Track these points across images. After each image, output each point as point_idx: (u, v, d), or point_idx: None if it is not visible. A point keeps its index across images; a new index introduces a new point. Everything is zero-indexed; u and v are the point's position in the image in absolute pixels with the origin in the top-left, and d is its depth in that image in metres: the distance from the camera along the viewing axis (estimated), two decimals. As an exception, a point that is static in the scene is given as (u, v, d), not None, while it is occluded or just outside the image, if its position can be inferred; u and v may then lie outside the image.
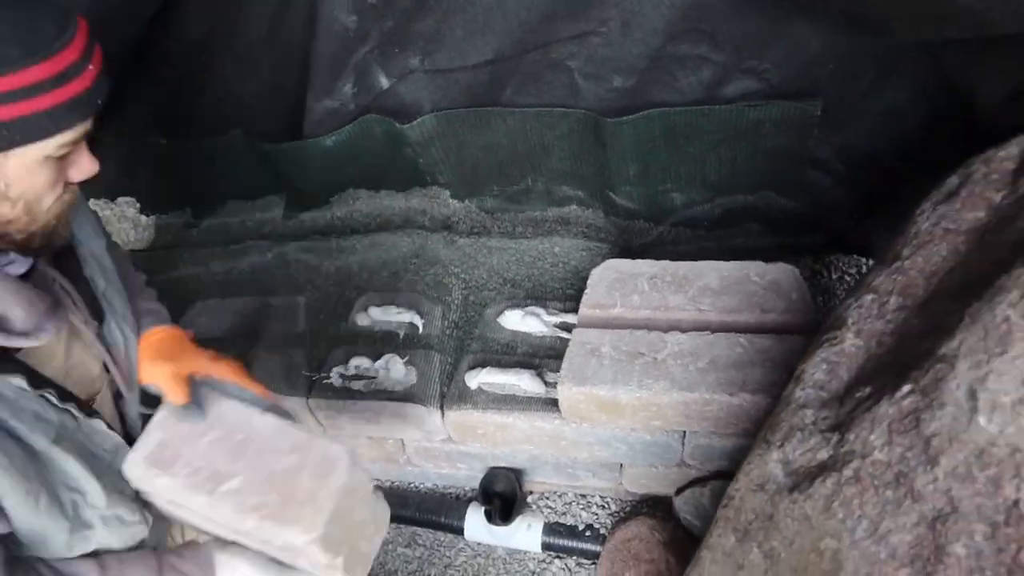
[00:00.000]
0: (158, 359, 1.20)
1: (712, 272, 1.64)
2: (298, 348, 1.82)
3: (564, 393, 1.50)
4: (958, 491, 0.79)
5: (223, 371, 1.18)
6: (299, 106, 1.82)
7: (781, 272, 1.62)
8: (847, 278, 1.93)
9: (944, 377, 0.82)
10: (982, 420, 0.78)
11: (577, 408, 1.53)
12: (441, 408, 1.69)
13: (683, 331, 1.54)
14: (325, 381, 1.76)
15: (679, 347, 1.51)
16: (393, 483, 1.96)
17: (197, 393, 1.16)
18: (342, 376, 1.76)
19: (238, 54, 1.73)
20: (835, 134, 1.65)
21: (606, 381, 1.47)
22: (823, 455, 0.94)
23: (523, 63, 1.65)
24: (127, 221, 2.19)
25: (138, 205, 2.22)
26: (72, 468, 0.99)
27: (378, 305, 1.84)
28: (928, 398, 0.83)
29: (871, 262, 1.83)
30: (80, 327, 1.03)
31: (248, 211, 2.15)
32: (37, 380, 0.94)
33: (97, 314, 1.08)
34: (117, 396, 1.12)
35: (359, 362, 1.73)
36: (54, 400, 0.96)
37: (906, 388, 0.86)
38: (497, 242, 1.98)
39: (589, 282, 1.67)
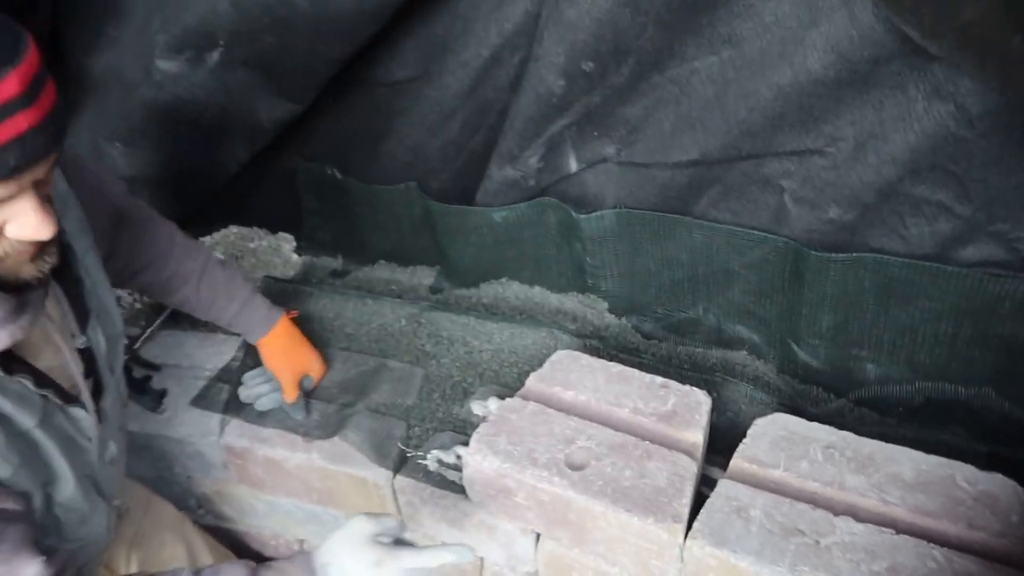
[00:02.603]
0: (283, 355, 1.60)
1: (906, 461, 1.32)
2: (402, 419, 1.64)
3: (692, 551, 1.20)
4: None
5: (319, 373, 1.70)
6: (479, 172, 1.73)
7: (1000, 486, 1.28)
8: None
9: None
10: None
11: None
12: (539, 533, 1.43)
13: (859, 520, 1.22)
14: (420, 461, 1.55)
15: (851, 538, 1.19)
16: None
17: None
18: (440, 462, 1.55)
19: (433, 104, 1.68)
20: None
21: (750, 552, 1.17)
22: None
23: (729, 172, 1.48)
24: (278, 256, 2.16)
25: (295, 243, 2.18)
26: (51, 452, 0.97)
27: (502, 399, 1.63)
28: None
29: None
30: (54, 334, 1.01)
31: (397, 273, 2.06)
32: (11, 367, 0.92)
33: (83, 314, 1.07)
34: (96, 391, 1.11)
35: (464, 452, 1.52)
36: (30, 386, 0.94)
37: None
38: (646, 370, 1.75)
39: (750, 432, 1.40)
